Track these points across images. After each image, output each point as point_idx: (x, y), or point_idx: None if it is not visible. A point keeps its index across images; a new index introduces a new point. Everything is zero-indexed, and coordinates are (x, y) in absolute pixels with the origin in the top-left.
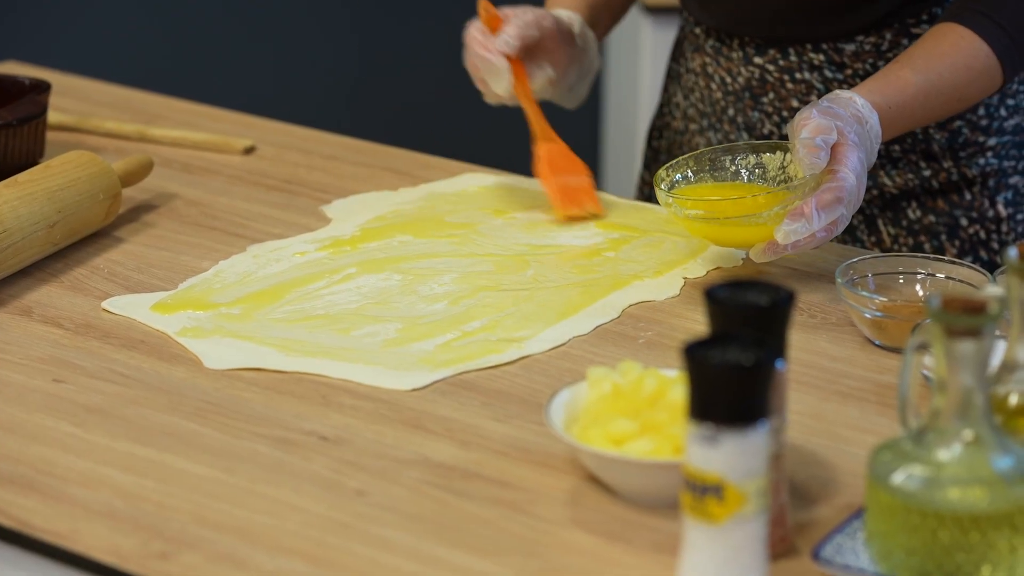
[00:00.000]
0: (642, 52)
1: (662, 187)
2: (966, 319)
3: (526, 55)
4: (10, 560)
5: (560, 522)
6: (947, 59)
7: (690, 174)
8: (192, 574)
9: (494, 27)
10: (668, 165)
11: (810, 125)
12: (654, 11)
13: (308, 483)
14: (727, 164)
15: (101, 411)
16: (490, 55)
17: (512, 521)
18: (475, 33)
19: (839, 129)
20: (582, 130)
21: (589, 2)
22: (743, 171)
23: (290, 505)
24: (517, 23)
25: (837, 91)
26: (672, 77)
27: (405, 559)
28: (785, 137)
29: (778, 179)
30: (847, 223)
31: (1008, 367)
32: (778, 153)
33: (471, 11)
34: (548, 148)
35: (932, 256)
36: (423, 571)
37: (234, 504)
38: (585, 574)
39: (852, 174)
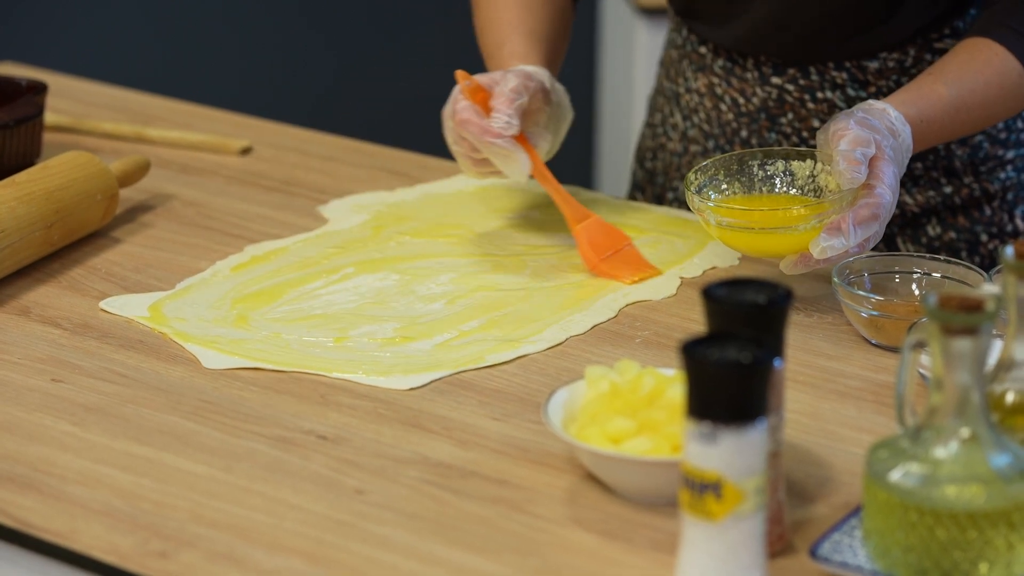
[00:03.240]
0: (636, 53)
1: (692, 190)
2: (963, 317)
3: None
4: (9, 559)
5: (558, 521)
6: (980, 75)
7: (719, 178)
8: (191, 573)
9: (479, 99)
10: (696, 168)
11: (848, 136)
12: (649, 12)
13: (306, 482)
14: (755, 169)
15: (99, 410)
16: (502, 142)
17: (510, 520)
18: (468, 115)
19: (876, 142)
20: (577, 131)
21: (545, 51)
22: (776, 178)
23: (288, 504)
24: (507, 95)
25: (871, 101)
26: (667, 97)
27: (403, 558)
28: (813, 146)
29: (807, 188)
30: (879, 239)
31: (1005, 365)
32: (808, 161)
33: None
34: (585, 229)
35: (928, 255)
36: (421, 570)
37: (233, 503)
38: (583, 573)
39: (889, 190)
